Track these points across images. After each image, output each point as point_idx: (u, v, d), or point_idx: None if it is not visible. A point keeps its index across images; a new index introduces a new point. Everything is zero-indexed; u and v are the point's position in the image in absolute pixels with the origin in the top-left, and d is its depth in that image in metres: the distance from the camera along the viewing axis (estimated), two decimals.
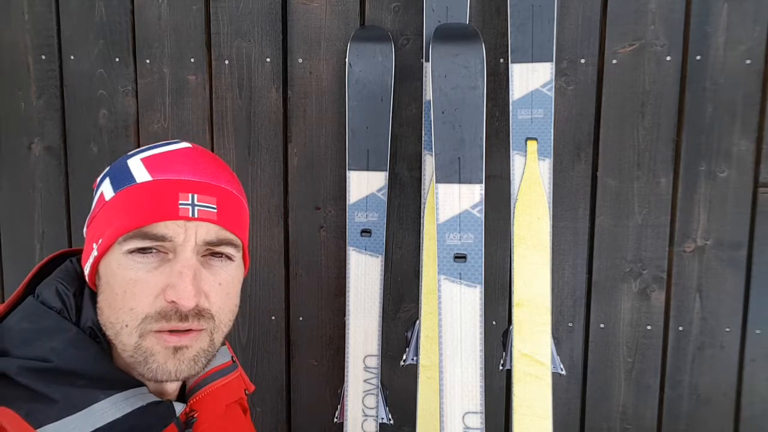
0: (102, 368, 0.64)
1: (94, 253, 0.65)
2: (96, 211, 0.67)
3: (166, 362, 0.64)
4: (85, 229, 0.70)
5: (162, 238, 0.63)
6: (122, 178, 0.66)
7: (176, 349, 0.64)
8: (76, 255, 0.73)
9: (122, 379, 0.65)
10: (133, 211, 0.63)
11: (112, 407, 0.61)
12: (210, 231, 0.65)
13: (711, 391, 1.42)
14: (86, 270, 0.67)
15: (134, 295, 0.63)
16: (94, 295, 0.68)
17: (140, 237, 0.63)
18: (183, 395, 0.75)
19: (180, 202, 0.63)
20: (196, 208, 0.64)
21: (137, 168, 0.66)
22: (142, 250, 0.63)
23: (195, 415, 0.71)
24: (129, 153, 0.71)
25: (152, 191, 0.64)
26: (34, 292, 0.68)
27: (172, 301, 0.63)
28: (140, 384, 0.66)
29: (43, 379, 0.60)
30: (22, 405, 0.59)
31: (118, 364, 0.67)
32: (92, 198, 0.72)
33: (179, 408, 0.69)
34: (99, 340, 0.66)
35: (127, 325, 0.63)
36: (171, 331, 0.64)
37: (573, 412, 1.46)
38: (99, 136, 1.51)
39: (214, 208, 0.65)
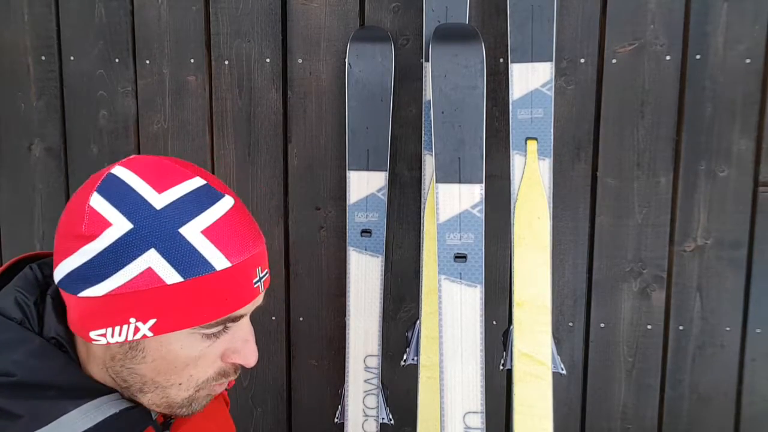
0: (70, 377, 0.61)
1: (144, 332, 0.58)
2: (141, 288, 0.57)
3: (204, 401, 0.65)
4: (100, 290, 0.58)
5: (239, 318, 0.62)
6: (190, 262, 0.57)
7: None
8: (35, 260, 0.69)
9: (93, 387, 0.62)
10: (217, 302, 0.59)
11: (83, 417, 0.59)
12: (262, 297, 0.65)
13: (711, 391, 1.42)
14: (109, 339, 0.59)
15: (195, 367, 0.62)
16: (56, 305, 0.63)
17: (223, 323, 0.61)
18: None
19: (254, 280, 0.62)
20: (262, 281, 0.63)
21: (206, 248, 0.58)
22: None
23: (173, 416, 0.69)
24: (163, 211, 0.58)
25: (234, 278, 0.59)
26: None
27: (232, 363, 0.64)
28: (112, 390, 0.63)
29: (5, 394, 0.57)
30: None
31: (87, 373, 0.64)
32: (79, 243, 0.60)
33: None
34: (65, 349, 0.63)
35: (180, 384, 0.62)
36: None
37: (573, 412, 1.46)
38: (99, 137, 1.51)
39: (267, 273, 0.65)
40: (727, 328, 1.39)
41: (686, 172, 1.36)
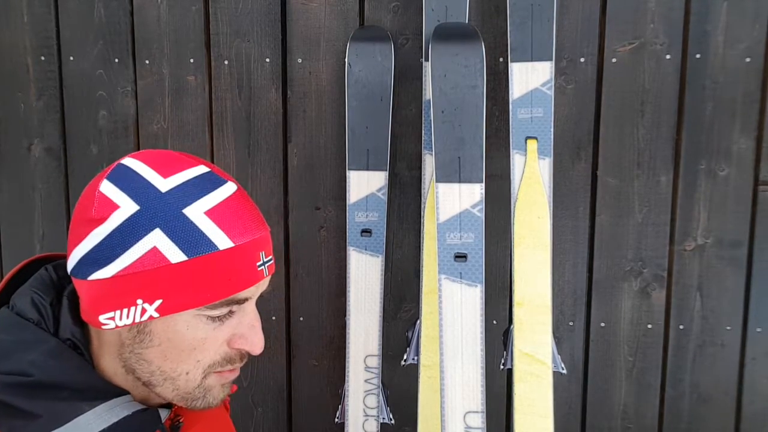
0: (85, 378, 0.62)
1: (150, 313, 0.60)
2: (147, 268, 0.59)
3: (219, 394, 0.66)
4: (108, 271, 0.60)
5: (244, 301, 0.63)
6: (194, 241, 0.59)
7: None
8: (50, 261, 0.70)
9: (106, 389, 0.63)
10: (221, 282, 0.60)
11: (97, 418, 0.60)
12: (267, 282, 0.66)
13: (712, 390, 1.42)
14: (117, 322, 0.60)
15: (202, 350, 0.63)
16: (72, 306, 0.65)
17: (226, 304, 0.62)
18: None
19: (257, 263, 0.63)
20: (266, 265, 0.64)
21: (210, 228, 0.60)
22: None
23: (180, 420, 0.70)
24: (168, 194, 0.60)
25: (237, 258, 0.61)
26: (8, 303, 0.65)
27: (238, 348, 0.64)
28: (124, 392, 0.64)
29: (23, 394, 0.58)
30: (3, 422, 0.57)
31: (101, 374, 0.65)
32: (90, 223, 0.61)
33: (164, 414, 0.68)
34: (80, 351, 0.64)
35: (188, 373, 0.63)
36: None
37: (574, 411, 1.46)
38: (99, 137, 1.51)
39: (271, 259, 0.66)
40: (728, 327, 1.39)
41: (686, 171, 1.36)
